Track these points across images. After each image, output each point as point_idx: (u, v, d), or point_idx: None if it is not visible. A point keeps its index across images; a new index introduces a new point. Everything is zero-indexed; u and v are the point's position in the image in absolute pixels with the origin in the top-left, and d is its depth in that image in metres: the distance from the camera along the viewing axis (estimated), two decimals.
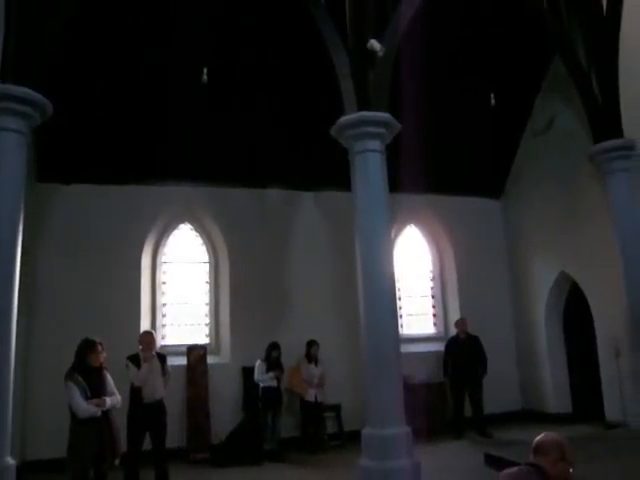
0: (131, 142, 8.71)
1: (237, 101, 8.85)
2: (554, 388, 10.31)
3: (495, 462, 6.33)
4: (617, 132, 8.59)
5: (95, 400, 5.38)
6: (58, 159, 8.52)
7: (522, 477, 2.71)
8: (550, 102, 10.37)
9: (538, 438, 2.83)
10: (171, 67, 8.23)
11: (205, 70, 7.12)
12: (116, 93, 8.32)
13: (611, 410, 9.09)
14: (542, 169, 10.50)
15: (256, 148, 9.23)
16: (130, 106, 8.43)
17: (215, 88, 7.99)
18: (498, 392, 10.18)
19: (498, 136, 10.79)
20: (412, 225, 11.20)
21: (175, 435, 8.13)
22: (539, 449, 2.77)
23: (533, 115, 10.84)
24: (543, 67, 10.37)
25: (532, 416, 10.27)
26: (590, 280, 9.54)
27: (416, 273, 11.16)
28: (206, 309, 9.62)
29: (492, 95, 8.63)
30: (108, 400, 5.52)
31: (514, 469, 2.80)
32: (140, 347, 6.60)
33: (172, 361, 8.21)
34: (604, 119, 8.66)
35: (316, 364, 9.00)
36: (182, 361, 8.79)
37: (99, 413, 5.40)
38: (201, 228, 9.81)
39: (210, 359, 9.01)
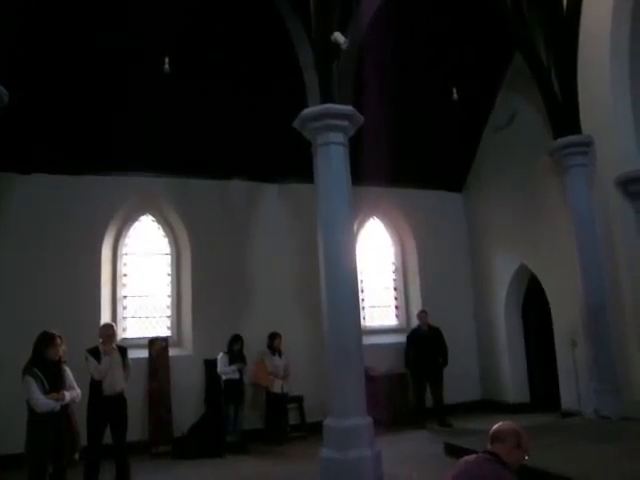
0: (91, 131, 8.54)
1: (200, 91, 8.74)
2: (513, 378, 10.54)
3: (455, 451, 6.46)
4: (575, 128, 8.81)
5: (54, 394, 5.29)
6: (16, 148, 8.29)
7: (479, 464, 2.77)
8: (511, 97, 10.54)
9: (495, 427, 2.91)
10: (132, 56, 8.06)
11: (167, 59, 7.00)
12: (76, 81, 8.13)
13: (567, 399, 9.36)
14: (503, 163, 10.68)
15: (219, 139, 9.14)
16: (90, 94, 8.26)
17: (177, 77, 7.85)
18: (459, 383, 10.37)
19: (460, 130, 10.93)
20: (375, 218, 11.27)
21: (137, 428, 8.08)
22: (496, 437, 2.85)
23: (495, 110, 11.01)
24: (505, 62, 10.53)
25: (491, 406, 10.48)
26: (548, 273, 9.76)
27: (378, 265, 11.24)
28: (168, 301, 9.51)
29: (454, 89, 8.72)
30: (67, 394, 5.43)
31: (472, 457, 2.88)
32: (100, 340, 6.51)
33: (133, 354, 8.13)
34: (563, 115, 8.88)
35: (280, 356, 9.01)
36: (143, 354, 8.69)
37: (58, 407, 5.32)
38: (163, 219, 9.68)
39: (172, 351, 8.92)
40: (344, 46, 6.61)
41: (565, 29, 8.87)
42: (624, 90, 8.52)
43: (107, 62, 8.07)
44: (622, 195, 8.42)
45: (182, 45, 8.05)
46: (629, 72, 8.50)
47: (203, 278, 9.29)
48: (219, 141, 9.15)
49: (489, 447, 2.84)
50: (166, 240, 9.69)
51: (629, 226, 8.35)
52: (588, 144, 8.71)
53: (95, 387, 6.35)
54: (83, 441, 5.93)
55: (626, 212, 8.41)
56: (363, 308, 10.62)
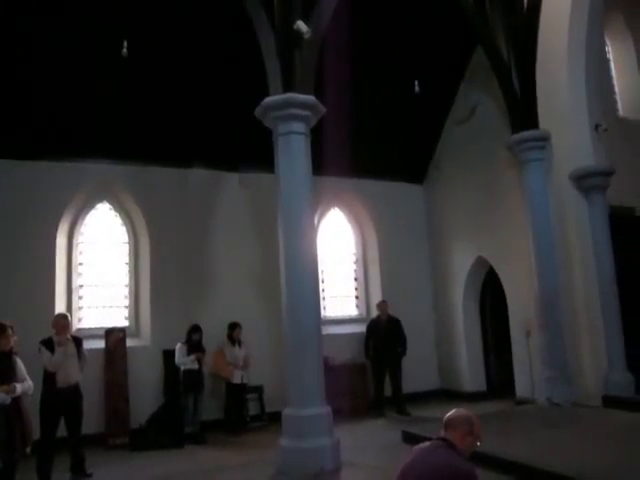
0: (46, 115, 8.27)
1: (159, 76, 8.57)
2: (470, 368, 10.75)
3: (412, 438, 6.55)
4: (533, 124, 9.00)
5: (4, 387, 5.19)
6: None
7: (432, 451, 2.83)
8: (472, 91, 10.68)
9: (448, 414, 2.97)
10: (89, 39, 7.85)
11: (125, 43, 6.83)
12: (30, 64, 7.87)
13: (521, 387, 9.61)
14: (463, 156, 10.83)
15: (179, 126, 8.98)
16: (45, 78, 8.01)
17: (136, 62, 7.70)
18: (417, 372, 10.54)
19: (421, 123, 11.02)
20: (336, 208, 11.28)
21: (93, 420, 7.93)
22: (449, 424, 2.91)
23: (456, 103, 11.13)
24: (466, 57, 10.65)
25: (449, 394, 10.70)
26: (504, 264, 9.97)
27: (339, 255, 11.28)
28: (125, 291, 9.34)
29: (416, 82, 8.78)
30: (18, 386, 5.33)
31: (426, 444, 2.93)
32: (54, 331, 6.37)
33: (89, 344, 8.02)
34: (522, 111, 9.05)
35: (239, 346, 8.97)
36: (100, 344, 8.52)
37: (8, 400, 5.21)
38: (120, 208, 9.47)
39: (129, 342, 8.78)
40: (307, 35, 6.59)
41: (525, 26, 9.03)
42: (580, 87, 8.75)
43: (63, 45, 7.83)
44: (576, 190, 8.66)
45: (141, 29, 7.86)
46: (585, 70, 8.73)
47: (162, 268, 9.15)
48: (179, 128, 9.00)
49: (443, 434, 2.90)
50: (124, 229, 9.49)
51: (582, 220, 8.60)
52: (545, 139, 8.91)
53: (49, 379, 6.25)
54: (35, 434, 5.82)
55: (580, 206, 8.66)
56: (324, 298, 10.66)
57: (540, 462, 5.48)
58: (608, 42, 10.88)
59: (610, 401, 8.02)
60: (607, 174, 8.61)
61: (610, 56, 10.95)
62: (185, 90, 8.78)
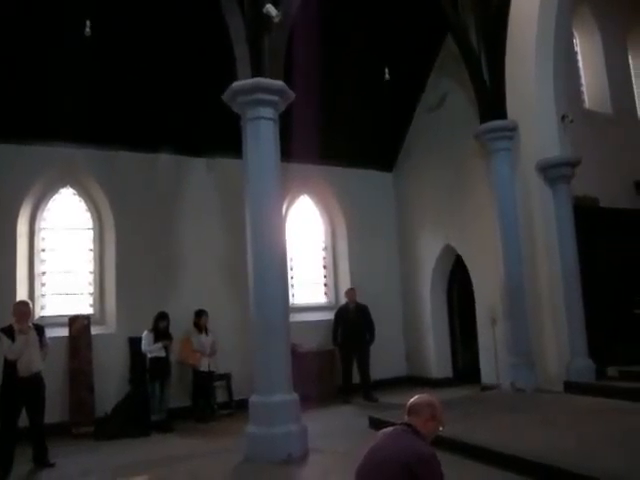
0: (7, 98, 7.99)
1: (125, 58, 8.36)
2: (437, 354, 10.89)
3: (378, 424, 6.59)
4: (501, 113, 9.07)
5: None
6: None
7: (396, 436, 2.85)
8: (442, 80, 10.72)
9: (411, 400, 3.00)
10: (51, 18, 7.61)
11: (88, 22, 6.62)
12: None
13: (486, 374, 9.76)
14: (432, 144, 10.88)
15: (145, 110, 8.79)
16: (5, 58, 7.74)
17: (100, 42, 7.47)
18: (385, 359, 10.63)
19: (392, 110, 11.02)
20: (305, 195, 11.24)
21: (56, 410, 7.87)
22: (412, 410, 2.94)
23: (426, 91, 11.16)
24: (437, 45, 10.67)
25: (416, 381, 10.81)
26: (472, 253, 10.09)
27: (308, 243, 11.26)
28: (90, 278, 9.18)
29: (386, 69, 8.76)
30: None
31: (389, 429, 2.96)
32: (14, 318, 6.23)
33: (53, 332, 7.90)
34: (490, 100, 9.12)
35: (206, 333, 8.91)
36: (64, 332, 8.38)
37: None
38: (85, 193, 9.27)
39: (94, 330, 8.63)
40: (276, 19, 6.49)
41: (495, 17, 9.07)
42: (548, 79, 8.86)
43: (24, 24, 7.59)
44: (542, 179, 8.79)
45: (105, 8, 7.62)
46: (553, 62, 8.83)
47: (127, 254, 9.00)
48: (145, 112, 8.81)
49: (406, 419, 2.92)
50: (88, 214, 9.30)
51: (548, 209, 8.74)
52: (513, 129, 9.00)
53: (9, 368, 6.14)
54: None
55: (545, 196, 8.79)
56: (292, 285, 10.66)
57: (502, 446, 5.58)
58: (576, 35, 11.02)
59: (571, 386, 8.20)
60: (572, 165, 8.75)
61: (577, 49, 11.10)
62: (152, 73, 8.60)
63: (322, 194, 11.29)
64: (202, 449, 6.98)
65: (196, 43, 8.44)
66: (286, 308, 6.64)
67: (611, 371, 8.43)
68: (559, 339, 8.48)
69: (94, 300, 9.14)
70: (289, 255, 10.22)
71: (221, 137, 8.77)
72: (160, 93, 8.77)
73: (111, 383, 8.49)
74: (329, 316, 10.34)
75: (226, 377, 9.22)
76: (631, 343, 8.79)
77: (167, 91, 8.79)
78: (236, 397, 9.04)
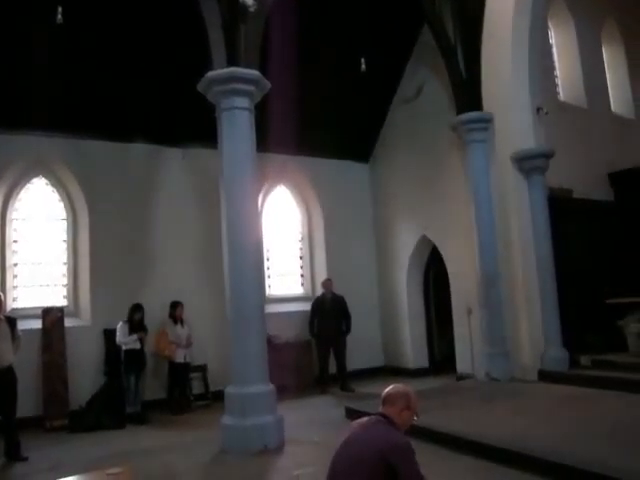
0: None
1: (97, 45, 8.18)
2: (413, 345, 10.95)
3: (355, 414, 6.61)
4: (477, 105, 9.13)
5: None
6: None
7: (370, 426, 2.87)
8: (419, 71, 10.72)
9: (386, 390, 3.01)
10: (21, 4, 7.41)
11: (60, 9, 6.47)
12: None
13: (462, 363, 9.85)
14: (409, 135, 10.90)
15: (119, 98, 8.65)
16: None
17: (72, 30, 7.34)
18: (362, 350, 10.67)
19: (368, 101, 11.00)
20: (282, 186, 11.19)
21: (30, 403, 7.75)
22: (387, 400, 2.96)
23: (402, 82, 11.15)
24: (413, 36, 10.66)
25: (393, 371, 10.87)
26: (447, 243, 10.15)
27: (285, 234, 11.23)
28: (64, 269, 9.03)
29: (363, 60, 8.73)
30: None
31: (364, 419, 2.97)
32: None
33: (26, 324, 7.79)
34: (466, 92, 9.17)
35: (182, 325, 8.85)
36: (37, 324, 8.23)
37: None
38: (58, 183, 9.10)
39: (68, 322, 8.50)
40: (252, 8, 6.44)
41: (472, 8, 9.10)
42: (523, 71, 8.93)
43: None
44: (517, 171, 8.88)
45: None
46: (528, 54, 8.91)
47: (102, 245, 8.87)
48: (120, 101, 8.67)
49: (381, 409, 2.93)
50: (61, 205, 9.14)
51: (522, 200, 8.84)
52: (488, 120, 9.07)
53: None
54: None
55: (520, 187, 8.89)
56: (269, 276, 10.63)
57: (477, 435, 5.65)
58: (551, 27, 11.10)
59: (545, 376, 8.34)
60: (547, 156, 8.85)
61: (553, 41, 11.18)
62: (126, 60, 8.43)
63: (299, 184, 11.26)
64: (177, 441, 6.95)
65: (171, 31, 8.30)
66: (262, 299, 6.64)
67: (584, 360, 8.59)
68: (533, 329, 8.60)
69: (68, 292, 9.01)
70: (265, 246, 10.20)
71: (197, 126, 8.65)
72: (134, 81, 8.62)
73: (85, 376, 8.39)
74: (306, 307, 10.32)
75: (202, 368, 9.19)
76: (603, 332, 8.97)
77: (142, 79, 8.64)
78: (212, 388, 9.02)
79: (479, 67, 9.17)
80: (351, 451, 2.78)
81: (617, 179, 10.76)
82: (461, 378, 9.57)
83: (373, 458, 2.65)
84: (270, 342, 7.74)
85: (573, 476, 4.52)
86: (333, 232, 11.16)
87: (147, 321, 8.50)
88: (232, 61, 6.46)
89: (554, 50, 11.16)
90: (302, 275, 11.31)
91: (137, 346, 8.28)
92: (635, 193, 10.48)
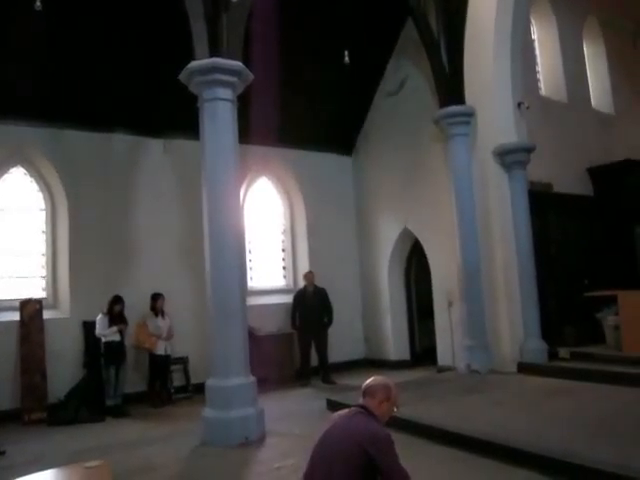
0: None
1: (78, 34, 8.06)
2: (394, 337, 11.01)
3: (336, 406, 6.65)
4: (460, 99, 9.16)
5: None
6: None
7: (350, 417, 2.87)
8: (402, 64, 10.73)
9: (367, 382, 3.02)
10: None
11: None
12: None
13: (442, 356, 9.93)
14: (391, 129, 10.91)
15: (101, 88, 8.54)
16: None
17: (52, 16, 7.20)
18: (344, 342, 10.72)
19: (351, 94, 10.99)
20: (264, 178, 11.14)
21: (7, 396, 7.73)
22: (367, 392, 2.97)
23: (386, 75, 11.15)
24: (397, 29, 10.65)
25: (374, 364, 10.92)
26: (429, 236, 10.19)
27: (267, 226, 11.19)
28: (42, 260, 8.92)
29: (346, 53, 8.70)
30: None
31: (344, 411, 2.99)
32: None
33: (3, 317, 7.76)
34: (449, 86, 9.19)
35: (163, 317, 8.80)
36: (15, 316, 8.13)
37: None
38: (36, 173, 8.96)
39: (47, 314, 8.39)
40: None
41: (455, 3, 9.12)
42: (505, 66, 8.96)
43: None
44: (499, 164, 8.93)
45: None
46: (510, 49, 8.94)
47: (81, 236, 8.77)
48: (100, 90, 8.55)
49: (361, 401, 2.94)
50: (40, 195, 9.02)
51: (503, 194, 8.90)
52: (470, 114, 9.11)
53: None
54: None
55: (501, 180, 8.94)
56: (251, 268, 10.60)
57: (457, 426, 5.70)
58: (533, 23, 11.17)
59: (524, 368, 8.43)
60: (528, 151, 8.91)
61: (535, 36, 11.26)
62: (107, 49, 8.31)
63: (281, 177, 11.22)
64: (158, 433, 6.92)
65: (154, 20, 8.18)
66: (243, 291, 6.61)
67: (562, 352, 8.70)
68: (513, 321, 8.68)
69: (46, 283, 8.90)
70: (247, 238, 10.16)
71: (179, 117, 8.58)
72: (116, 71, 8.50)
73: (64, 368, 8.30)
74: (288, 299, 10.32)
75: (183, 361, 9.16)
76: (581, 325, 9.10)
77: (124, 69, 8.53)
78: (193, 381, 9.00)
79: (462, 61, 9.20)
80: (331, 443, 2.79)
81: (596, 174, 10.89)
82: (441, 370, 9.64)
83: (353, 450, 2.66)
84: (252, 334, 7.73)
85: (551, 466, 4.58)
86: (315, 224, 11.15)
87: (127, 313, 8.44)
88: (214, 52, 6.40)
89: (536, 45, 11.24)
90: (284, 267, 11.29)
91: (117, 338, 8.22)
92: (613, 188, 10.63)
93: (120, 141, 9.24)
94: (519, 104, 9.01)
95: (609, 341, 8.76)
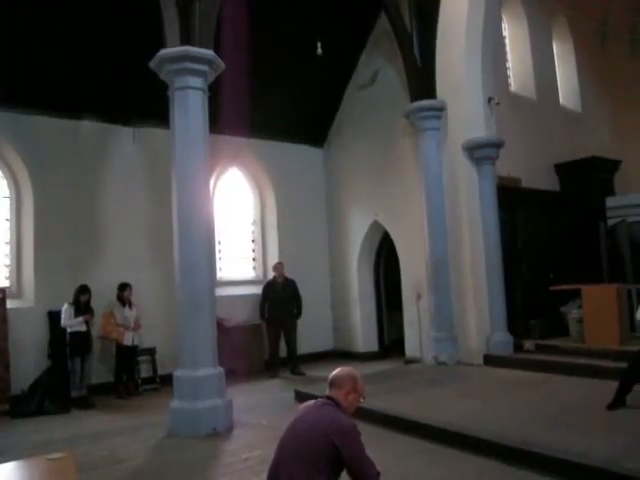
0: None
1: (46, 18, 7.85)
2: (363, 329, 11.09)
3: (304, 397, 6.66)
4: (431, 93, 9.21)
5: None
6: None
7: (317, 408, 2.90)
8: (375, 57, 10.73)
9: (333, 373, 3.04)
10: None
11: None
12: None
13: (410, 347, 10.04)
14: (363, 121, 10.92)
15: (69, 73, 8.35)
16: None
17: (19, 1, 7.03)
18: (313, 333, 10.76)
19: (323, 85, 10.97)
20: (235, 168, 11.06)
21: None
22: (333, 383, 2.99)
23: (358, 68, 11.15)
24: (371, 22, 10.64)
25: (343, 355, 10.98)
26: (399, 229, 10.27)
27: (237, 217, 11.13)
28: (6, 249, 8.71)
29: (319, 44, 8.68)
30: None
31: (311, 402, 3.00)
32: None
33: None
34: (421, 80, 9.23)
35: (130, 307, 8.70)
36: None
37: None
38: (0, 159, 8.75)
39: (10, 303, 8.20)
40: None
41: None
42: (476, 62, 9.04)
43: None
44: (468, 159, 9.03)
45: None
46: (481, 45, 9.02)
47: (47, 224, 8.58)
48: (68, 75, 8.36)
49: (328, 392, 2.96)
50: (4, 182, 8.80)
51: (472, 188, 9.01)
52: (441, 109, 9.17)
53: None
54: None
55: (470, 175, 9.05)
56: (220, 259, 10.54)
57: (424, 417, 5.77)
58: (505, 20, 11.29)
59: (490, 360, 8.59)
60: (497, 146, 9.02)
61: (506, 34, 11.38)
62: (75, 32, 8.11)
63: (252, 167, 11.15)
64: (124, 425, 6.85)
65: (124, 4, 8.00)
66: (212, 281, 6.58)
67: (528, 345, 8.87)
68: (480, 314, 8.81)
69: (10, 272, 8.70)
70: (217, 229, 10.09)
71: (149, 105, 8.45)
72: (85, 55, 8.31)
73: (28, 359, 8.14)
74: (257, 290, 10.29)
75: (151, 352, 9.07)
76: (547, 318, 9.30)
77: (92, 54, 8.34)
78: (161, 372, 8.91)
79: (434, 56, 9.25)
80: (297, 434, 2.81)
81: (563, 170, 11.11)
82: (409, 362, 9.75)
83: (319, 440, 2.68)
84: (220, 325, 7.70)
85: (516, 456, 4.67)
86: (286, 216, 11.13)
87: (94, 303, 8.31)
88: (186, 40, 6.32)
89: (507, 42, 11.37)
90: (254, 258, 11.25)
91: (83, 328, 8.09)
92: (579, 184, 10.86)
93: (88, 128, 9.07)
94: (489, 100, 9.11)
95: (573, 334, 8.98)
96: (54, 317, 8.28)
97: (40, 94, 8.38)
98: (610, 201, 10.72)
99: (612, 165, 11.43)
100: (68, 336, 8.07)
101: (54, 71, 8.29)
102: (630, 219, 9.88)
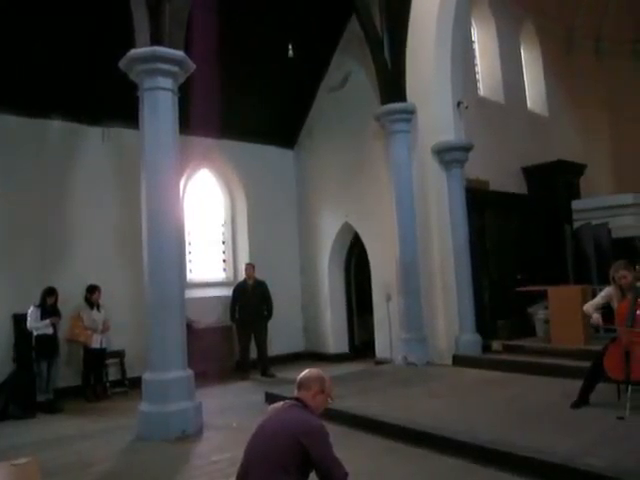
0: None
1: (13, 15, 7.71)
2: (334, 330, 11.14)
3: (274, 399, 6.59)
4: (401, 96, 9.30)
5: None
6: None
7: (285, 410, 2.92)
8: (346, 60, 10.80)
9: (301, 375, 3.07)
10: None
11: None
12: None
13: (380, 348, 10.11)
14: (334, 124, 10.97)
15: (36, 71, 8.20)
16: None
17: None
18: (283, 335, 10.74)
19: (295, 87, 10.99)
20: (205, 169, 11.00)
21: None
22: (301, 384, 3.02)
23: (329, 70, 11.19)
24: (342, 24, 10.70)
25: (314, 357, 11.00)
26: (369, 231, 10.34)
27: (208, 218, 11.07)
28: None
29: (290, 46, 8.70)
30: None
31: (279, 404, 3.03)
32: None
33: None
34: (391, 83, 9.31)
35: (99, 309, 8.58)
36: None
37: None
38: None
39: None
40: None
41: (399, 1, 9.23)
42: (445, 66, 9.17)
43: None
44: (437, 162, 9.14)
45: None
46: (451, 50, 9.15)
47: (13, 225, 8.38)
48: (36, 74, 8.21)
49: (296, 393, 2.99)
50: None
51: (441, 191, 9.13)
52: (411, 112, 9.27)
53: None
54: None
55: (440, 178, 9.17)
56: (190, 261, 10.47)
57: (393, 417, 5.82)
58: (474, 24, 11.45)
59: (459, 360, 8.70)
60: (466, 149, 9.16)
61: (475, 38, 11.55)
62: (44, 32, 7.98)
63: (222, 168, 11.10)
64: (92, 429, 6.75)
65: (94, 3, 7.90)
66: (182, 283, 6.54)
67: (495, 345, 9.01)
68: (449, 315, 8.93)
69: None
70: (187, 230, 10.04)
71: (118, 105, 8.33)
72: (52, 55, 8.17)
73: None
74: (227, 292, 10.26)
75: (119, 354, 8.97)
76: (514, 319, 9.45)
77: (61, 53, 8.19)
78: (129, 375, 8.82)
79: (404, 59, 9.34)
80: (266, 436, 2.82)
81: (530, 173, 11.31)
82: (379, 363, 9.82)
83: (287, 441, 2.70)
84: (190, 327, 7.65)
85: (481, 454, 4.75)
86: (256, 217, 11.10)
87: (61, 305, 8.18)
88: (156, 40, 6.28)
89: (476, 47, 11.53)
90: (224, 260, 11.20)
91: (49, 331, 7.95)
92: (546, 187, 11.07)
93: (57, 128, 8.92)
94: (458, 103, 9.24)
95: (539, 334, 9.16)
96: (19, 320, 8.12)
97: (7, 93, 8.20)
98: (576, 204, 10.95)
99: (577, 169, 11.67)
100: (34, 339, 7.91)
101: (21, 70, 8.14)
102: (594, 222, 10.10)
